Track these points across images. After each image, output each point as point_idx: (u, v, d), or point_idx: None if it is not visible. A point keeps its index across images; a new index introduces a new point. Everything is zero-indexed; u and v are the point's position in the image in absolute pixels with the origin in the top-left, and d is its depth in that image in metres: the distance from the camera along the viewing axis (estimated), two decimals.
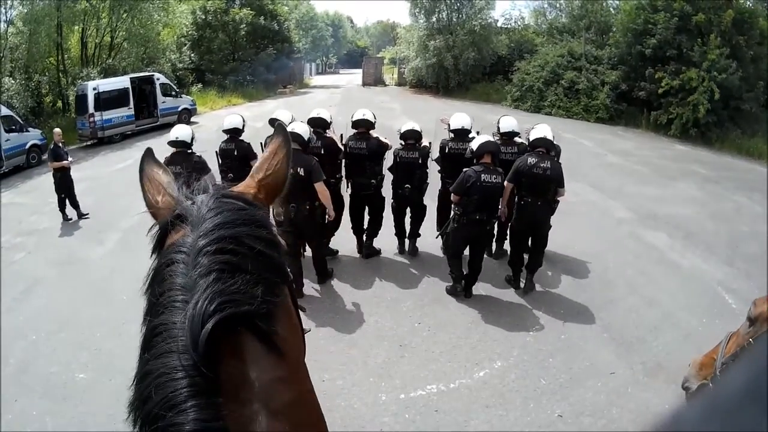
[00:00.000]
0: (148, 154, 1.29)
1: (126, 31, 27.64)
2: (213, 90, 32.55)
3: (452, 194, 7.02)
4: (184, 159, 7.75)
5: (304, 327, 1.30)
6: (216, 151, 8.42)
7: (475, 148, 6.94)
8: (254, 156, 8.04)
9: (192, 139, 8.03)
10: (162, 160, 1.27)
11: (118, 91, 21.36)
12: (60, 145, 11.74)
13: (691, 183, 13.78)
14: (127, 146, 19.54)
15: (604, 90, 25.38)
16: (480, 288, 7.60)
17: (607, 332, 6.40)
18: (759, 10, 22.56)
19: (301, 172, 6.68)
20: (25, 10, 23.62)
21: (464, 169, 6.90)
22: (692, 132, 20.88)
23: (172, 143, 7.96)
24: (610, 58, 26.46)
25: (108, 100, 20.69)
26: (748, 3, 23.21)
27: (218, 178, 7.73)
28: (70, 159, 11.70)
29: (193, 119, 24.41)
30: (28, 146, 17.87)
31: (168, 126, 23.11)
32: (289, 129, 6.34)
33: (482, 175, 6.69)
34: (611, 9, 30.49)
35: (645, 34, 23.60)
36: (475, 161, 6.93)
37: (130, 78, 22.49)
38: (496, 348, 6.19)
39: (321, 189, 6.90)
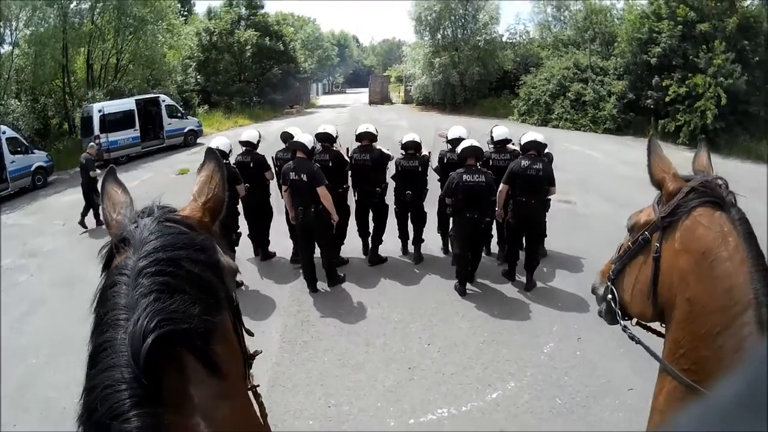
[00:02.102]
0: (111, 172, 1.41)
1: (131, 53, 27.83)
2: (219, 111, 32.72)
3: (445, 198, 7.59)
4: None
5: (256, 350, 1.51)
6: (233, 164, 8.54)
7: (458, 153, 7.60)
8: (268, 167, 8.72)
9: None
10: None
11: (124, 112, 21.40)
12: (93, 159, 12.42)
13: None
14: (132, 168, 19.47)
15: (611, 100, 25.25)
16: (490, 297, 7.46)
17: (622, 346, 6.09)
18: (763, 14, 22.34)
19: (304, 177, 7.30)
20: (30, 32, 23.79)
21: (450, 173, 7.51)
22: (700, 138, 20.47)
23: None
24: (615, 68, 26.35)
25: (114, 122, 20.72)
26: (753, 5, 22.95)
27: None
28: (98, 171, 12.08)
29: (199, 140, 24.40)
30: (33, 168, 17.87)
31: (174, 148, 23.24)
32: (296, 139, 6.70)
33: (464, 175, 7.23)
34: (615, 20, 30.40)
35: (650, 43, 23.53)
36: (460, 164, 7.49)
37: (136, 100, 22.56)
38: (508, 368, 5.92)
39: (323, 192, 7.34)
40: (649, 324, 2.12)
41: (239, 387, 1.17)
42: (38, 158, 18.34)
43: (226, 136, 12.96)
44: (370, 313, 7.33)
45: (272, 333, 6.76)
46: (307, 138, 7.71)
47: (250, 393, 1.36)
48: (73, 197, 15.72)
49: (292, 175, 7.38)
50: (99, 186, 11.94)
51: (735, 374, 0.41)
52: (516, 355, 6.15)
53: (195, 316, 1.00)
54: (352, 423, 5.12)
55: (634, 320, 2.15)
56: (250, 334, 1.46)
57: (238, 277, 8.17)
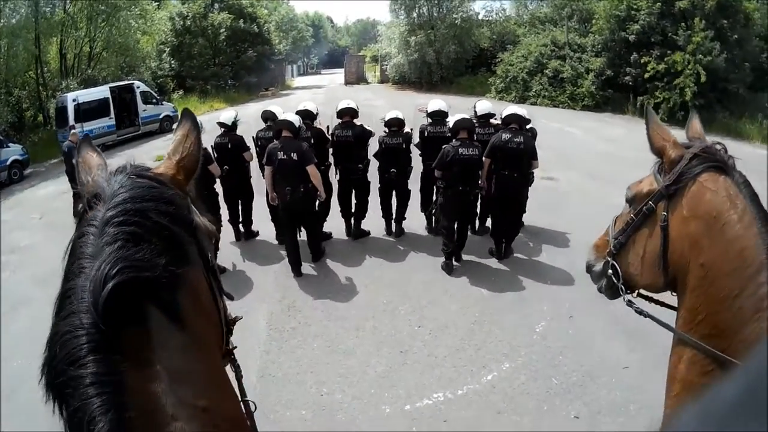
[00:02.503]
0: (86, 140, 1.39)
1: (105, 41, 27.27)
2: (194, 96, 32.20)
3: (435, 170, 7.59)
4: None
5: (236, 315, 1.52)
6: (211, 145, 8.46)
7: (451, 126, 7.59)
8: (247, 148, 8.57)
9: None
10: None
11: (98, 101, 20.98)
12: (74, 146, 11.76)
13: None
14: (109, 157, 17.41)
15: (589, 77, 25.24)
16: (478, 275, 7.38)
17: (615, 324, 6.06)
18: None
19: (294, 156, 7.16)
20: (2, 24, 23.09)
21: (443, 146, 7.47)
22: (679, 115, 20.64)
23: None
24: (593, 45, 26.28)
25: (88, 111, 20.32)
26: None
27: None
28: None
29: (175, 126, 23.98)
30: (9, 162, 17.44)
31: (150, 134, 22.85)
32: (281, 118, 6.52)
33: (460, 149, 7.26)
34: None
35: (628, 20, 23.47)
36: (452, 138, 7.52)
37: (110, 87, 22.11)
38: (502, 348, 5.85)
39: (313, 171, 7.27)
40: (651, 295, 2.13)
41: (207, 343, 1.13)
42: (13, 152, 17.92)
43: (202, 120, 12.73)
44: (357, 296, 7.22)
45: (259, 320, 6.61)
46: (293, 117, 7.58)
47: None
48: (49, 190, 15.43)
49: (280, 155, 7.22)
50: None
51: (735, 374, 0.41)
52: (509, 336, 6.09)
53: (159, 266, 0.99)
54: (346, 411, 5.01)
55: (635, 293, 2.14)
56: (230, 297, 1.47)
57: (221, 264, 8.11)
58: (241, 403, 1.30)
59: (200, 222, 1.24)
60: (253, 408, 1.40)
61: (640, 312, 2.08)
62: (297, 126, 7.42)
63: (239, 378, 1.44)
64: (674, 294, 1.92)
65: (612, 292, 2.21)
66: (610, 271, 2.17)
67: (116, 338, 0.89)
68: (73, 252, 1.03)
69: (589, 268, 2.40)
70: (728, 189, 1.74)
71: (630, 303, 2.12)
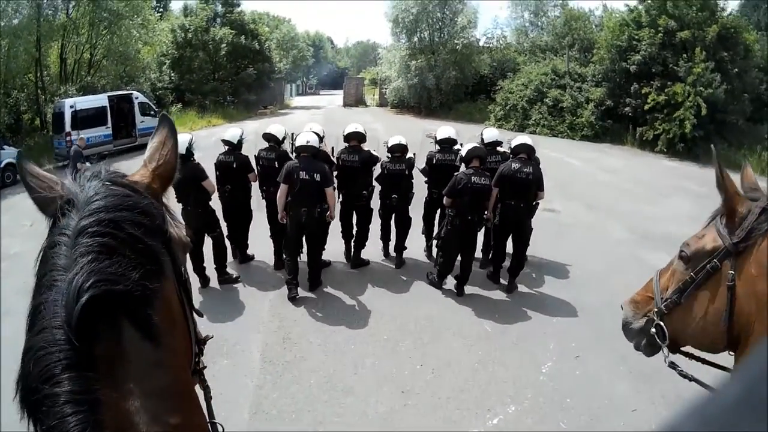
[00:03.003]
0: (22, 155, 1.31)
1: (105, 48, 27.11)
2: (193, 110, 32.01)
3: (445, 198, 7.52)
4: (182, 163, 7.59)
5: (207, 334, 1.50)
6: (215, 164, 8.39)
7: (463, 155, 7.54)
8: (252, 169, 8.40)
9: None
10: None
11: (96, 109, 20.69)
12: (81, 151, 13.11)
13: (684, 199, 13.52)
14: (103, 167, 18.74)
15: (589, 107, 25.35)
16: (480, 310, 7.14)
17: (622, 364, 5.83)
18: (742, 24, 22.63)
19: (317, 177, 7.19)
20: (3, 24, 22.81)
21: (455, 173, 7.51)
22: (679, 147, 20.86)
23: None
24: (594, 75, 26.44)
25: (85, 119, 19.98)
26: (732, 15, 23.28)
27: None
28: (87, 164, 12.08)
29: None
30: (3, 165, 17.04)
31: (146, 146, 22.55)
32: (302, 138, 6.49)
33: (472, 177, 7.21)
34: (594, 26, 30.53)
35: (629, 51, 23.64)
36: (465, 166, 7.48)
37: (108, 96, 21.84)
38: (507, 390, 5.57)
39: (330, 192, 7.39)
40: (694, 353, 2.09)
41: (179, 360, 1.12)
42: (8, 155, 17.40)
43: (198, 136, 12.62)
44: (356, 329, 6.89)
45: (252, 351, 6.30)
46: (313, 137, 7.55)
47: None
48: None
49: (302, 174, 7.15)
50: None
51: (735, 375, 0.42)
52: (514, 376, 5.81)
53: (133, 280, 0.98)
54: None
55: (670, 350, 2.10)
56: (200, 314, 1.43)
57: (232, 272, 8.31)
58: (209, 425, 1.29)
59: (174, 233, 1.22)
60: (221, 431, 1.38)
61: (685, 376, 2.03)
62: (318, 148, 7.49)
63: (208, 399, 1.43)
64: (731, 354, 1.85)
65: (652, 350, 2.15)
66: (653, 330, 2.07)
67: (90, 355, 0.89)
68: (44, 262, 1.01)
69: (626, 326, 2.28)
70: None
71: (673, 365, 2.08)
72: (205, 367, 1.42)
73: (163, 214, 1.19)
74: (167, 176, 1.29)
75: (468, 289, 7.85)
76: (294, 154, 7.73)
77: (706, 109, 20.27)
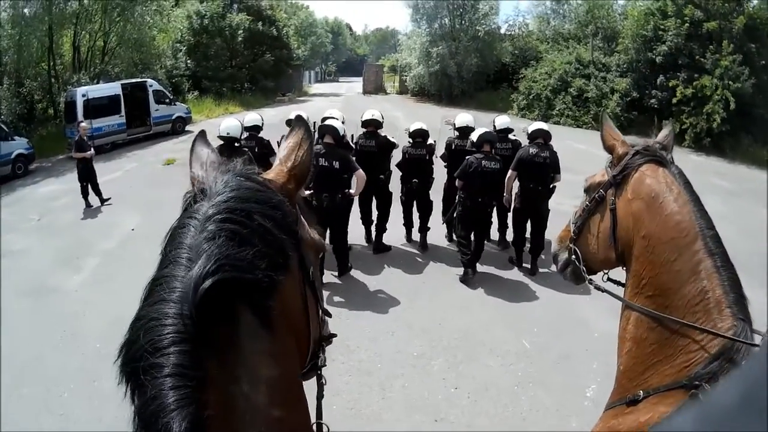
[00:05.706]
0: (201, 134, 1.37)
1: (119, 36, 26.66)
2: (210, 97, 31.71)
3: (456, 180, 7.89)
4: (232, 152, 7.55)
5: (332, 332, 1.50)
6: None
7: (474, 140, 7.92)
8: (274, 153, 8.17)
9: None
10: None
11: (109, 98, 20.32)
12: (84, 138, 12.62)
13: (715, 197, 12.86)
14: (116, 156, 18.55)
15: (614, 98, 24.63)
16: (515, 320, 6.70)
17: None
18: None
19: (336, 165, 7.30)
20: (14, 12, 22.52)
21: (467, 157, 7.75)
22: (705, 141, 20.28)
23: (221, 137, 8.18)
24: (618, 65, 25.75)
25: (98, 108, 19.63)
26: (760, 7, 22.48)
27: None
28: (92, 151, 12.50)
29: (188, 128, 23.48)
30: (13, 156, 16.86)
31: (161, 135, 22.26)
32: (326, 122, 7.82)
33: (483, 161, 7.56)
34: (617, 15, 29.73)
35: (655, 41, 23.03)
36: (475, 150, 7.82)
37: (122, 84, 21.47)
38: (549, 418, 5.03)
39: (360, 175, 7.39)
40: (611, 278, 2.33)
41: (291, 354, 1.10)
42: (18, 145, 17.34)
43: (214, 123, 12.27)
44: (383, 345, 6.32)
45: None
46: (338, 123, 7.78)
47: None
48: (52, 188, 14.81)
49: (322, 161, 7.23)
50: (93, 164, 12.40)
51: (735, 375, 0.44)
52: (556, 401, 5.27)
53: (259, 269, 0.97)
54: None
55: (597, 276, 2.35)
56: (328, 315, 1.44)
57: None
58: (314, 425, 1.26)
59: (306, 235, 1.23)
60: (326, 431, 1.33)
61: (598, 288, 2.23)
62: (341, 134, 7.64)
63: (320, 397, 1.38)
64: (624, 268, 2.13)
65: (576, 277, 2.41)
66: (573, 256, 2.37)
67: (204, 333, 0.87)
68: (171, 240, 1.00)
69: (555, 258, 2.58)
70: (665, 176, 2.02)
71: (590, 281, 2.30)
72: (325, 365, 1.38)
73: (296, 214, 1.20)
74: (302, 176, 1.29)
75: (496, 294, 7.67)
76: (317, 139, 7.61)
77: (734, 103, 19.70)
